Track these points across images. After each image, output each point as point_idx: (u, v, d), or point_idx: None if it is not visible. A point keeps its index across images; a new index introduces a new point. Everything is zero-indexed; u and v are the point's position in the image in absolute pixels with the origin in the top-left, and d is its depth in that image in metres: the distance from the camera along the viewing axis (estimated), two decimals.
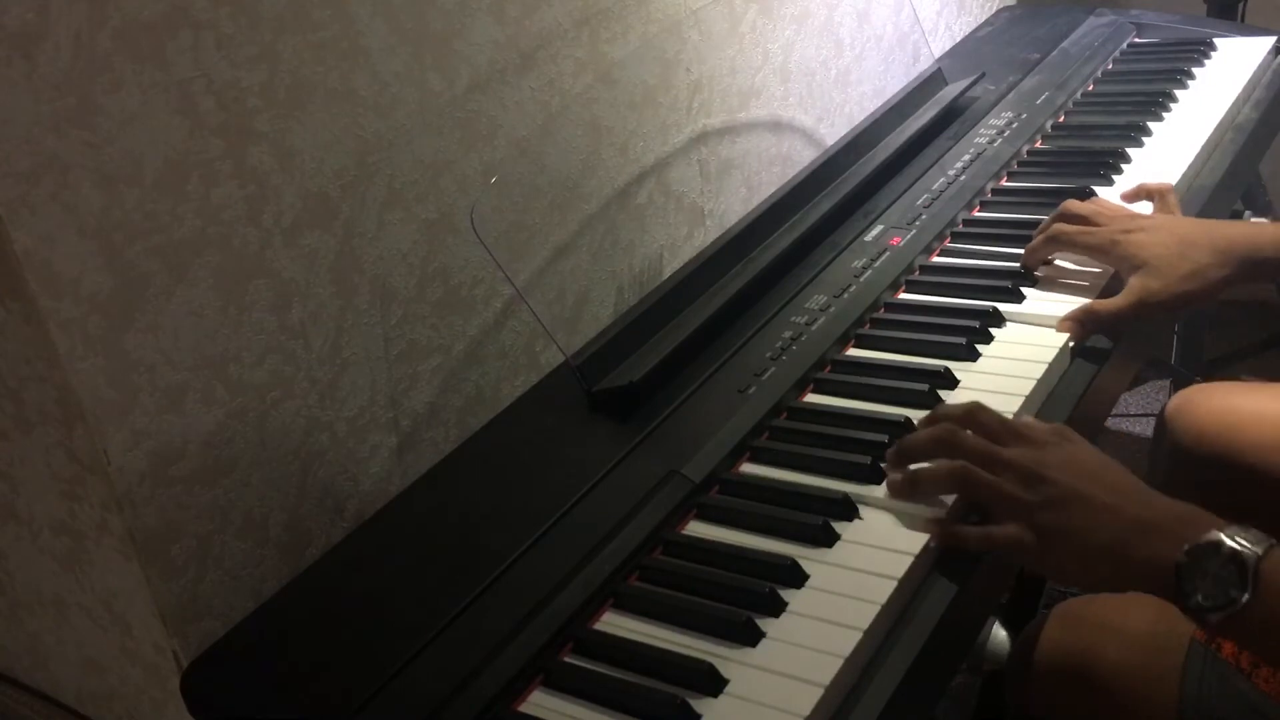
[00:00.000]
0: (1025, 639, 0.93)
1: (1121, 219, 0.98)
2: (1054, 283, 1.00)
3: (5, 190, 0.66)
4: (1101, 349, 0.93)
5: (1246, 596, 0.65)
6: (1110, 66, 1.42)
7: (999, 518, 0.74)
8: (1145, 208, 1.05)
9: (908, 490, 0.78)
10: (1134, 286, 0.92)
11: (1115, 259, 0.95)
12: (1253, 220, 1.24)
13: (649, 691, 0.66)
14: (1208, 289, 0.92)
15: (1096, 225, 0.98)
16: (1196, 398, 1.10)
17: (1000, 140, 1.23)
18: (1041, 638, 0.91)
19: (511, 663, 0.67)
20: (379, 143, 0.87)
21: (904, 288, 1.03)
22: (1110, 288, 0.98)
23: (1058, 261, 1.02)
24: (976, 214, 1.13)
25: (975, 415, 0.78)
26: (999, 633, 0.80)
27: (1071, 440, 0.77)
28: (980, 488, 0.74)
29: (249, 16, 0.77)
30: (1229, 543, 0.66)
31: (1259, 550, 0.66)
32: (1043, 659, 0.90)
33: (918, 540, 0.73)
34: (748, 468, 0.83)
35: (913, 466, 0.78)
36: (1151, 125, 1.24)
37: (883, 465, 0.80)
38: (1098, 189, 1.12)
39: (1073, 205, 1.01)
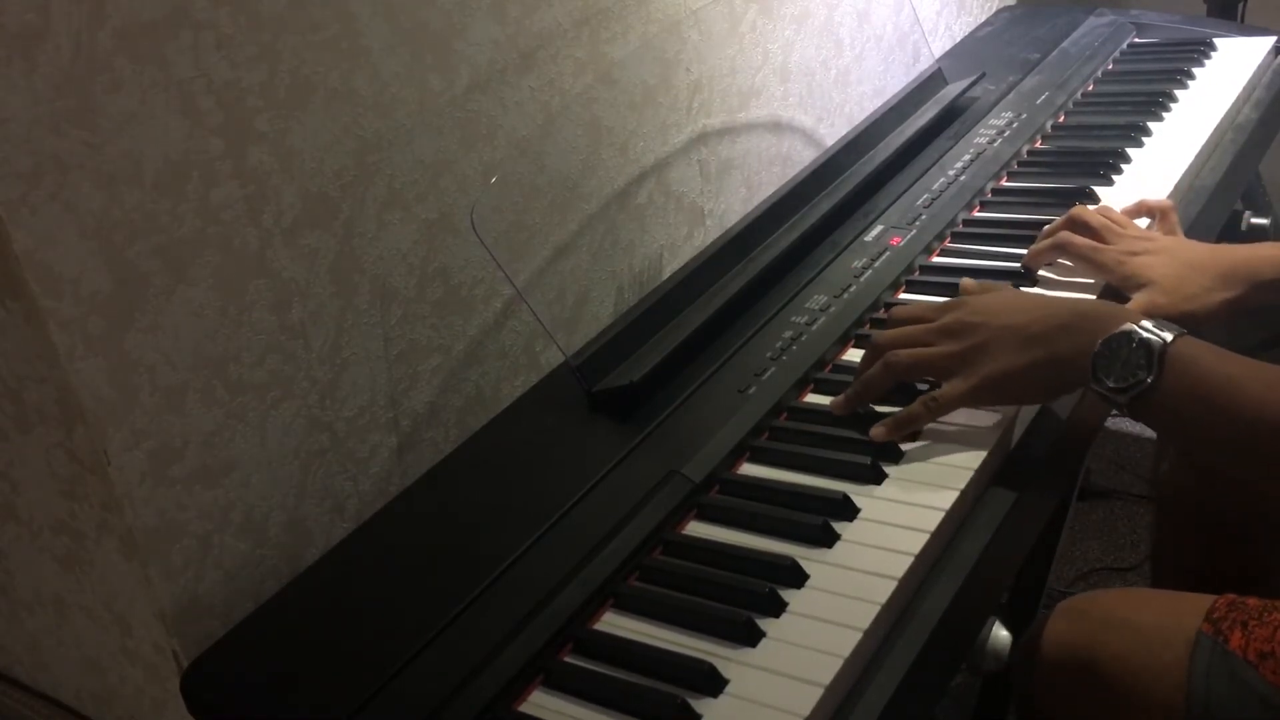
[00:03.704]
0: (1030, 635, 0.93)
1: (1129, 239, 0.98)
2: (1054, 284, 1.00)
3: (5, 190, 0.66)
4: None
5: (1152, 377, 0.73)
6: (1110, 67, 1.42)
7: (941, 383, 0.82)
8: (1145, 221, 1.05)
9: (851, 401, 0.85)
10: (1140, 300, 0.93)
11: (1119, 278, 0.96)
12: (1254, 221, 1.25)
13: (649, 691, 0.66)
14: (1211, 311, 0.93)
15: (1104, 240, 0.98)
16: None
17: (1000, 140, 1.23)
18: (1046, 633, 0.91)
19: (511, 663, 0.67)
20: (379, 143, 0.87)
21: (904, 288, 1.03)
22: (1109, 291, 0.98)
23: (1059, 261, 1.02)
24: (976, 214, 1.13)
25: (895, 316, 0.87)
26: (999, 633, 0.80)
27: (979, 291, 0.87)
28: (908, 365, 0.82)
29: (249, 16, 0.77)
30: (1140, 332, 0.74)
31: (1166, 337, 0.74)
32: (1048, 654, 0.90)
33: (918, 540, 0.73)
34: (748, 468, 0.83)
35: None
36: (1151, 125, 1.24)
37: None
38: (1098, 189, 1.12)
39: (1082, 214, 1.00)
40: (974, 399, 0.81)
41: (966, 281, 0.94)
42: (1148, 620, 0.86)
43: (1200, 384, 0.74)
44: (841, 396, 0.86)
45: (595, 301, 1.03)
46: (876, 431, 0.82)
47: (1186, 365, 0.74)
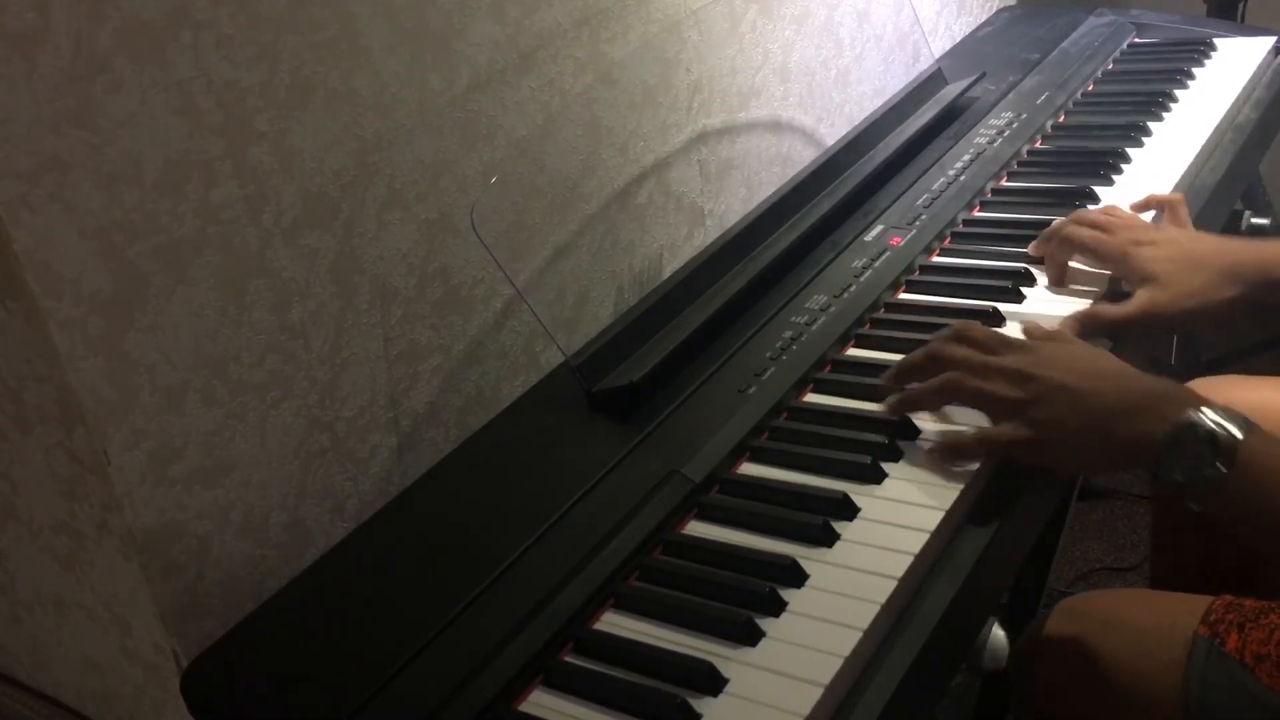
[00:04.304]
0: (1029, 634, 0.93)
1: (1134, 229, 0.98)
2: (1055, 283, 1.00)
3: (5, 190, 0.66)
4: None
5: (1222, 473, 0.71)
6: (1110, 66, 1.42)
7: (994, 421, 0.79)
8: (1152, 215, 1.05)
9: (902, 406, 0.83)
10: (1141, 298, 0.93)
11: (1125, 269, 0.95)
12: (1254, 221, 1.25)
13: (649, 691, 0.66)
14: (1214, 308, 0.92)
15: (1108, 233, 0.98)
16: (1210, 390, 1.10)
17: (1000, 140, 1.23)
18: (1045, 633, 0.91)
19: (511, 663, 0.67)
20: (379, 143, 0.87)
21: (904, 288, 1.03)
22: (1112, 291, 0.98)
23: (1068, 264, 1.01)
24: (976, 214, 1.13)
25: (965, 333, 0.84)
26: (999, 633, 0.81)
27: (1060, 339, 0.83)
28: (971, 393, 0.80)
29: (249, 16, 0.77)
30: (1207, 422, 0.72)
31: (1237, 431, 0.71)
32: (1046, 654, 0.90)
33: (918, 540, 0.73)
34: (748, 467, 0.83)
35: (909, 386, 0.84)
36: (1151, 125, 1.24)
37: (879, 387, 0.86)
38: (1098, 189, 1.12)
39: (1085, 214, 1.00)
40: (1020, 452, 0.78)
41: (1030, 325, 0.89)
42: (1145, 621, 0.86)
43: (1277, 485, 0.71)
44: (894, 400, 0.84)
45: (595, 301, 1.03)
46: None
47: (1263, 465, 0.71)
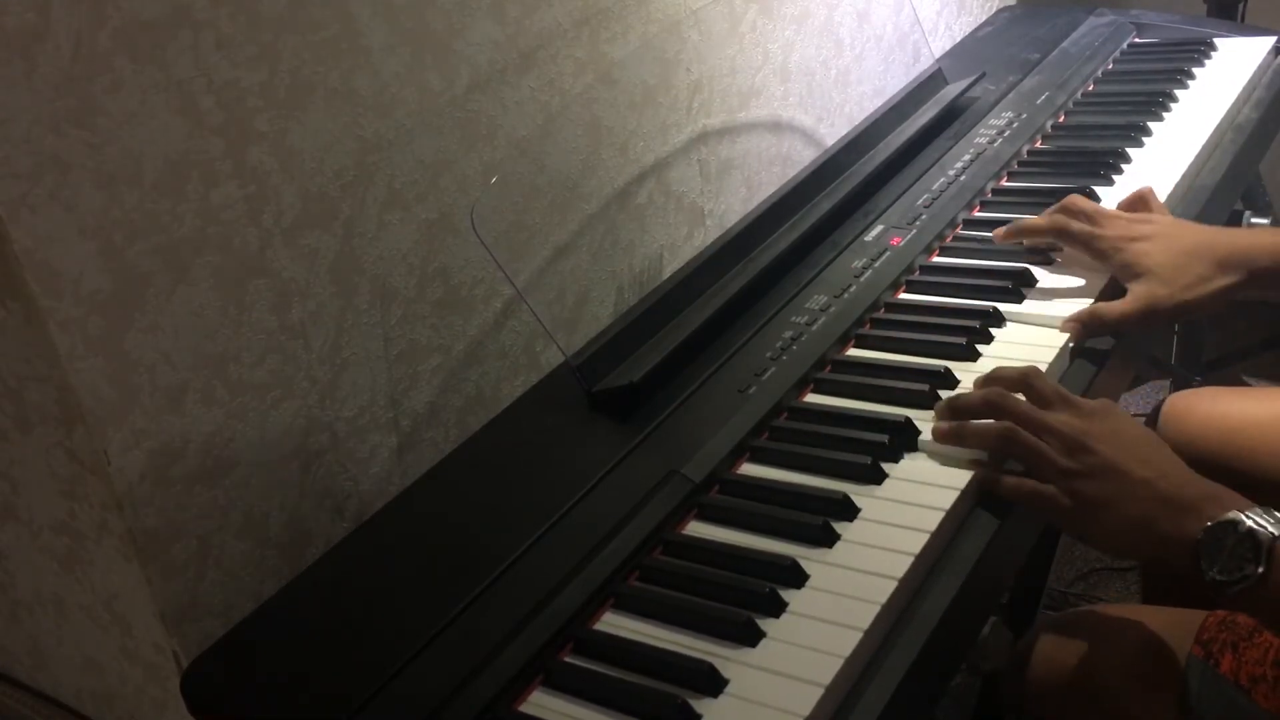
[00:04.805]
0: (1023, 648, 0.93)
1: (1124, 223, 0.98)
2: (1051, 293, 1.00)
3: (5, 190, 0.66)
4: (1101, 350, 0.93)
5: (1260, 571, 0.69)
6: (1110, 66, 1.42)
7: (1039, 479, 0.77)
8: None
9: (953, 439, 0.81)
10: (1139, 293, 0.92)
11: (1116, 265, 0.95)
12: (1254, 221, 1.25)
13: (649, 691, 0.66)
14: (1210, 298, 0.92)
15: (1099, 225, 0.97)
16: (1189, 402, 1.10)
17: (1000, 140, 1.23)
18: (1039, 647, 0.91)
19: (511, 663, 0.67)
20: (379, 143, 0.87)
21: (904, 288, 1.03)
22: (1110, 289, 0.98)
23: (1058, 261, 1.02)
24: (976, 214, 1.13)
25: (1029, 380, 0.82)
26: (999, 633, 0.80)
27: (1117, 415, 0.80)
28: (1024, 449, 0.78)
29: (249, 16, 0.77)
30: (1247, 522, 0.70)
31: (1275, 531, 0.69)
32: (1040, 669, 0.90)
33: (918, 540, 0.73)
34: (748, 468, 0.83)
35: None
36: (1151, 125, 1.24)
37: (935, 408, 0.84)
38: (1098, 189, 1.12)
39: (1077, 202, 1.00)
40: (1055, 516, 0.77)
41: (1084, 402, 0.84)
42: (1140, 640, 0.86)
43: None
44: (944, 430, 0.82)
45: (595, 301, 1.03)
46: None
47: None
